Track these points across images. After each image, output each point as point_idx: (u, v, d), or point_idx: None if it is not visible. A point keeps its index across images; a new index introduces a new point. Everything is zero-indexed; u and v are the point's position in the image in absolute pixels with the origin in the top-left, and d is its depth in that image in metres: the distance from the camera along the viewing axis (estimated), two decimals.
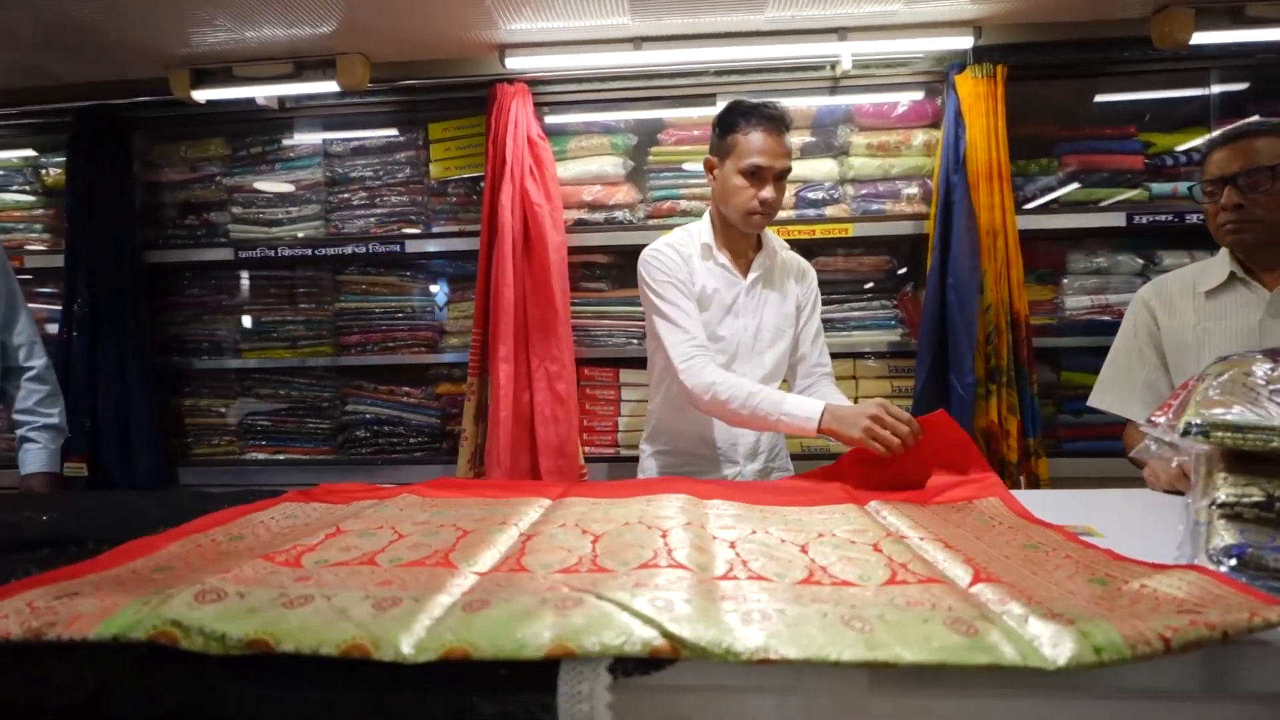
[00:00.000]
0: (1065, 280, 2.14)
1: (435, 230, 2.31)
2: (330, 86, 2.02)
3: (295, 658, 0.50)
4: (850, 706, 0.51)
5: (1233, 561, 0.59)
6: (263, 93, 2.11)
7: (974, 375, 1.86)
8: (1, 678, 0.51)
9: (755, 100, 1.35)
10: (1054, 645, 0.49)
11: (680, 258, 1.39)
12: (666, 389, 1.45)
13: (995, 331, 1.88)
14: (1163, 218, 2.00)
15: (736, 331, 1.42)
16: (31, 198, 2.47)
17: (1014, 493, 0.95)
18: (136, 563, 0.70)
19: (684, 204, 2.20)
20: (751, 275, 1.43)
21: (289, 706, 0.50)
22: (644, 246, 1.45)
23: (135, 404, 2.26)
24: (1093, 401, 1.48)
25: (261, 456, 2.39)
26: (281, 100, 2.26)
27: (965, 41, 1.89)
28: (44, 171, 2.46)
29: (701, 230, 1.45)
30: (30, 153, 2.49)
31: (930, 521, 0.85)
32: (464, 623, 0.52)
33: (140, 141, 2.40)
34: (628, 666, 0.49)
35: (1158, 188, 2.07)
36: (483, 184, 2.10)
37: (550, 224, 2.05)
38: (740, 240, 1.43)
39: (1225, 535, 0.61)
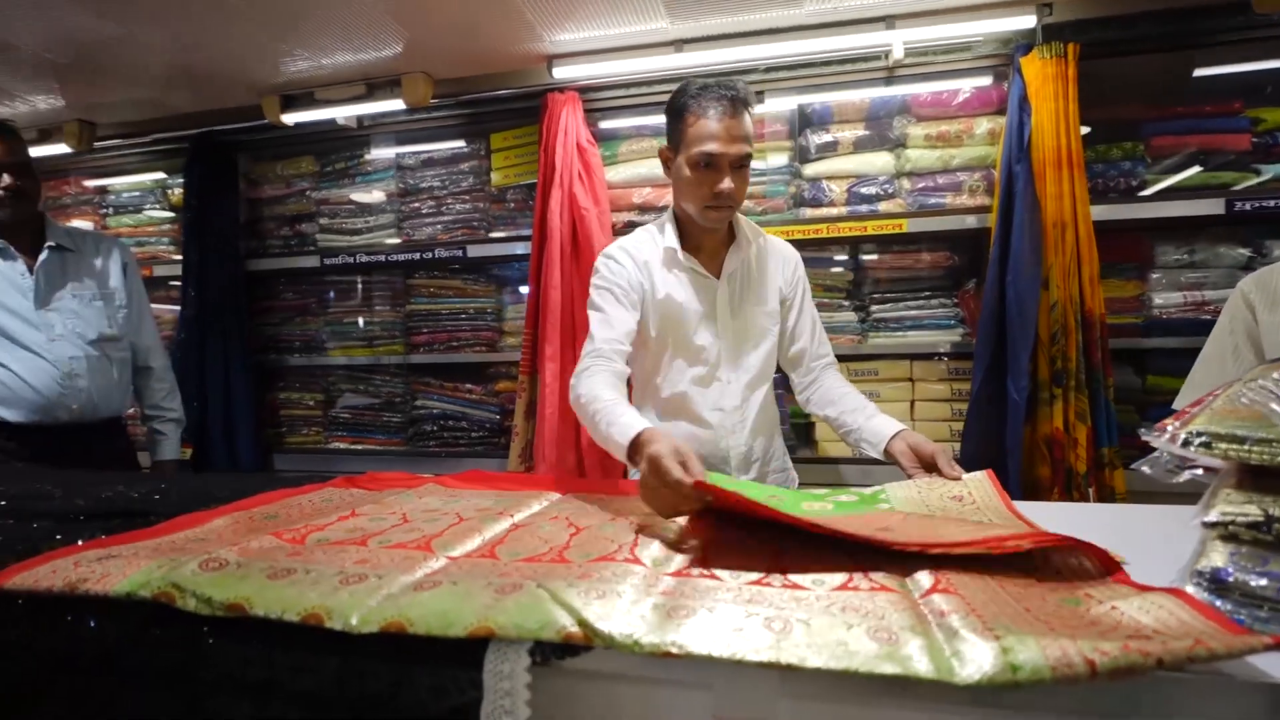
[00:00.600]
0: (1154, 275, 1.94)
1: (495, 235, 2.43)
2: (397, 104, 2.18)
3: (273, 625, 0.57)
4: (759, 707, 0.51)
5: (1211, 586, 0.53)
6: (341, 113, 2.31)
7: (1028, 378, 1.72)
8: (47, 629, 0.62)
9: (711, 79, 1.18)
10: (972, 661, 0.47)
11: (634, 263, 1.27)
12: (652, 398, 1.33)
13: (1062, 331, 1.74)
14: (1271, 203, 1.77)
15: (715, 338, 1.28)
16: (163, 214, 2.84)
17: (1064, 505, 0.87)
18: (181, 533, 0.81)
19: None
20: (725, 273, 1.28)
21: (264, 667, 0.58)
22: None
23: (237, 397, 2.55)
24: (1178, 405, 1.35)
25: (343, 446, 2.61)
26: (360, 119, 2.46)
27: (1028, 20, 1.75)
28: (170, 191, 2.81)
29: (664, 231, 1.29)
30: (160, 175, 2.85)
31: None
32: (411, 600, 0.57)
33: (244, 162, 2.69)
34: (545, 651, 0.53)
35: (1268, 169, 1.84)
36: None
37: (598, 227, 2.10)
38: (708, 236, 1.27)
39: (1214, 557, 0.55)
